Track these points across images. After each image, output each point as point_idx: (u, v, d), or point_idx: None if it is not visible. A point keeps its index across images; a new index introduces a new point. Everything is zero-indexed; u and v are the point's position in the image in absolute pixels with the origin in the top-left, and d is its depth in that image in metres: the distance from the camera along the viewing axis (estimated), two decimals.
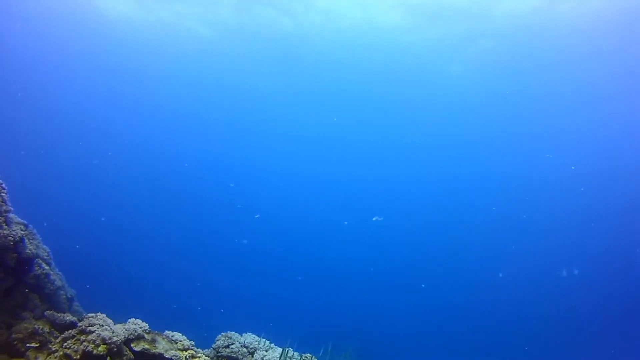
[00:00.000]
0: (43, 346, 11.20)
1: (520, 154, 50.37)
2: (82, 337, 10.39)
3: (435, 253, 52.75)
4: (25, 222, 13.28)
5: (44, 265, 13.48)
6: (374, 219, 51.46)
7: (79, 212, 47.53)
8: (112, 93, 54.39)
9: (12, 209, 11.81)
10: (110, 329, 10.53)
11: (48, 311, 12.39)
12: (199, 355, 8.56)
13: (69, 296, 14.86)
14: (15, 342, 10.99)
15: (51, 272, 13.82)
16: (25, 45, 46.90)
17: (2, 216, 11.35)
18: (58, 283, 14.11)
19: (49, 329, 11.77)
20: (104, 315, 11.09)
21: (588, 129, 45.30)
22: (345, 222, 53.29)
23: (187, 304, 36.62)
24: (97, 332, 10.32)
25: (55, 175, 51.49)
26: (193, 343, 11.53)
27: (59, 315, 12.21)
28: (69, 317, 12.23)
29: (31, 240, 13.05)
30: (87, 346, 10.09)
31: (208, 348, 11.36)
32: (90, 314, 11.16)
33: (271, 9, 36.39)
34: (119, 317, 12.26)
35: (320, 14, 36.49)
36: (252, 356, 10.23)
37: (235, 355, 11.55)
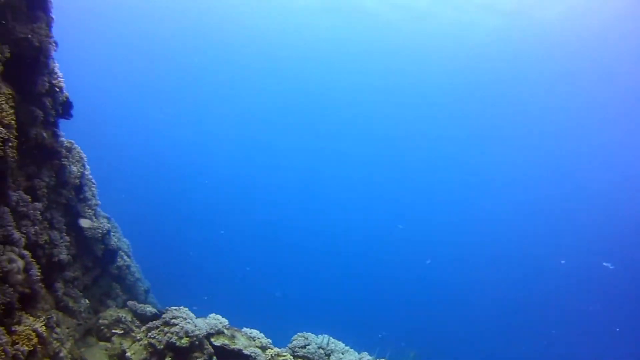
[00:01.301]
0: (126, 333, 11.71)
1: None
2: (166, 329, 10.78)
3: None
4: (108, 215, 13.86)
5: (125, 257, 14.07)
6: (399, 226, 51.37)
7: (151, 208, 49.49)
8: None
9: (100, 202, 12.36)
10: (193, 322, 10.87)
11: (130, 301, 12.93)
12: (284, 354, 8.69)
13: (146, 288, 15.43)
14: (102, 327, 11.53)
15: (131, 264, 14.40)
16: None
17: (92, 209, 11.93)
18: (137, 275, 14.70)
19: (131, 317, 12.28)
20: (187, 309, 11.46)
21: None
22: (400, 226, 53.28)
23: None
24: (180, 324, 10.69)
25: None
26: (270, 341, 11.75)
27: (140, 305, 12.70)
28: (149, 308, 12.70)
29: (114, 233, 13.62)
30: (171, 337, 10.47)
31: (284, 347, 11.54)
32: (173, 307, 11.56)
33: None
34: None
35: None
36: (329, 358, 10.32)
37: (311, 356, 11.65)
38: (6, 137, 6.14)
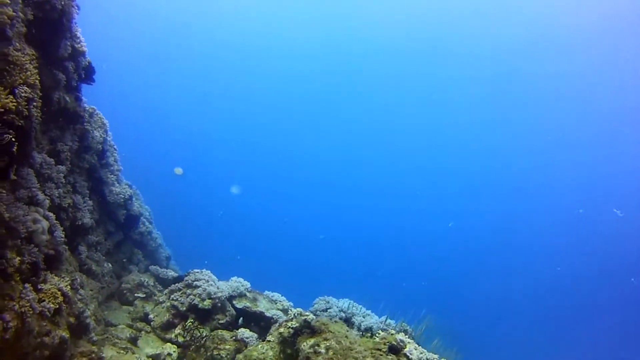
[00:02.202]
0: (148, 297, 11.91)
1: None
2: (189, 291, 10.93)
3: None
4: (130, 182, 13.99)
5: (147, 223, 14.24)
6: (450, 224, 51.24)
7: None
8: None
9: (122, 168, 12.47)
10: (216, 285, 11.00)
11: (152, 266, 13.10)
12: (306, 313, 8.76)
13: (167, 255, 15.64)
14: (124, 292, 11.73)
15: (153, 231, 14.58)
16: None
17: (114, 174, 12.04)
18: (159, 241, 14.89)
19: (154, 282, 12.48)
20: (209, 271, 11.59)
21: None
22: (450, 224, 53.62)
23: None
24: (203, 286, 10.82)
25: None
26: (292, 304, 11.88)
27: (162, 270, 12.91)
28: (171, 272, 12.90)
29: (136, 199, 13.76)
30: (194, 299, 10.62)
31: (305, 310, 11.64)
32: (195, 270, 11.69)
33: None
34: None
35: None
36: (350, 321, 10.38)
37: (333, 319, 11.73)
38: (31, 96, 6.15)
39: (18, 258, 6.22)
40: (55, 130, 9.23)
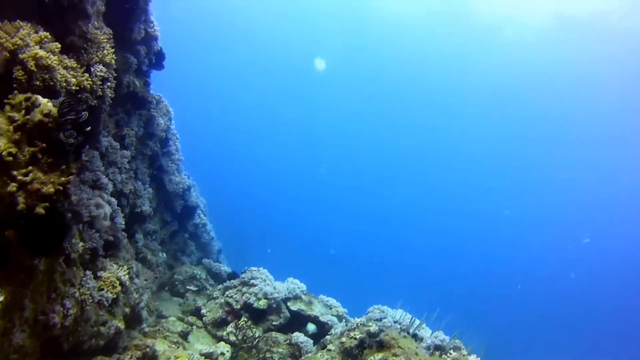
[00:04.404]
0: (200, 291, 11.68)
1: None
2: (245, 289, 10.62)
3: None
4: (187, 173, 13.84)
5: (202, 215, 14.07)
6: (585, 240, 49.87)
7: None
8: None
9: (183, 158, 12.29)
10: (272, 285, 10.66)
11: (205, 259, 12.88)
12: (369, 323, 8.28)
13: (219, 248, 15.44)
14: (176, 283, 11.54)
15: (207, 223, 14.39)
16: None
17: (175, 164, 11.89)
18: (212, 234, 14.69)
19: (206, 275, 12.25)
20: (266, 270, 11.25)
21: None
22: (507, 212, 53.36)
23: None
24: (259, 285, 10.50)
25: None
26: (346, 311, 11.42)
27: (215, 264, 12.68)
28: (224, 268, 12.66)
29: (193, 191, 13.59)
30: (249, 298, 10.30)
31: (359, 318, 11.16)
32: (253, 268, 11.39)
33: None
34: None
35: None
36: (415, 335, 9.80)
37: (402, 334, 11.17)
38: (106, 75, 5.93)
39: (81, 243, 5.97)
40: (122, 113, 9.07)
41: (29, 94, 4.21)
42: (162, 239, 11.91)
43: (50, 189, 3.90)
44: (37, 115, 3.98)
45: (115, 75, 6.75)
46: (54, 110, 4.07)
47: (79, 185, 6.73)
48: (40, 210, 3.86)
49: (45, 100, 4.25)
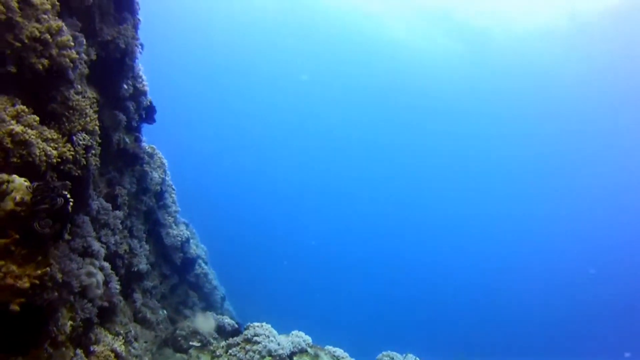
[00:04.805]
0: (204, 346, 11.25)
1: None
2: (248, 347, 10.20)
3: None
4: (187, 221, 13.55)
5: (203, 264, 13.73)
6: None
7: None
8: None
9: (179, 209, 12.04)
10: (276, 340, 10.24)
11: (208, 312, 12.50)
12: None
13: (222, 295, 15.05)
14: (179, 339, 11.12)
15: (209, 272, 14.05)
16: None
17: (172, 216, 11.62)
18: (214, 282, 14.33)
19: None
20: (269, 325, 10.85)
21: None
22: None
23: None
24: (263, 342, 10.09)
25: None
26: None
27: (218, 317, 12.27)
28: (228, 321, 12.23)
29: (192, 240, 13.29)
30: (253, 356, 9.89)
31: None
32: (255, 323, 10.98)
33: None
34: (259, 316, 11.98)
35: None
36: None
37: None
38: (89, 144, 5.69)
39: (70, 322, 5.65)
40: (113, 172, 8.83)
41: (2, 177, 3.95)
42: (163, 293, 11.57)
43: (25, 283, 3.62)
44: (8, 204, 3.72)
45: (102, 134, 6.54)
46: (28, 197, 3.80)
47: (68, 255, 6.45)
48: (14, 307, 3.57)
49: (19, 182, 3.99)
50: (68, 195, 4.18)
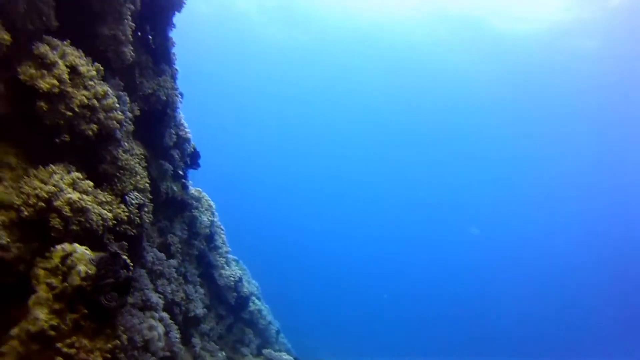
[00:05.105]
0: None
1: None
2: None
3: None
4: (236, 257, 13.58)
5: (256, 300, 13.70)
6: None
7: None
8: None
9: (230, 249, 12.08)
10: None
11: (265, 349, 12.47)
12: None
13: (277, 329, 14.97)
14: None
15: (262, 308, 14.00)
16: None
17: (223, 257, 11.66)
18: (268, 318, 14.27)
19: None
20: None
21: None
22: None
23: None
24: None
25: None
26: None
27: (276, 354, 12.22)
28: (285, 357, 12.14)
29: (244, 277, 13.30)
30: None
31: None
32: None
33: None
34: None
35: None
36: None
37: None
38: (142, 202, 5.76)
39: None
40: (164, 221, 8.95)
41: (65, 248, 4.01)
42: (220, 334, 11.57)
43: (97, 357, 3.62)
44: (75, 280, 3.76)
45: (151, 185, 6.61)
46: (92, 270, 3.83)
47: (129, 310, 6.51)
48: None
49: (81, 252, 4.03)
50: (129, 262, 4.20)
